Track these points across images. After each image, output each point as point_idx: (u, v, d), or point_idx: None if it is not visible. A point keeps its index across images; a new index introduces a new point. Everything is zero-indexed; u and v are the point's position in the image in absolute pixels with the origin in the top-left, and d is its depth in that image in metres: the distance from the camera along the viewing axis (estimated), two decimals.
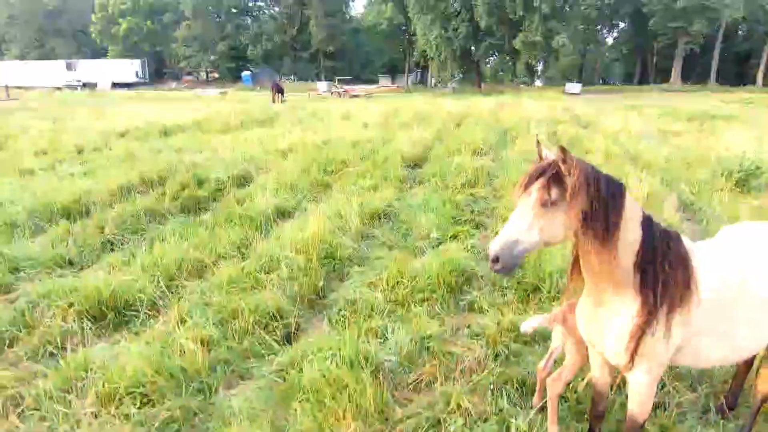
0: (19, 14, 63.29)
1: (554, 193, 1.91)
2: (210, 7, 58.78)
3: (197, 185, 7.43)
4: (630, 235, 2.05)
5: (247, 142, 11.26)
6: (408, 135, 11.91)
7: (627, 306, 2.13)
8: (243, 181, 8.07)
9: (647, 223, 2.10)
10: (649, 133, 12.68)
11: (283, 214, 6.47)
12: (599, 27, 60.32)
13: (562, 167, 1.91)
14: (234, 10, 61.27)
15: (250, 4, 63.65)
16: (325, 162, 8.96)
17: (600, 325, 2.25)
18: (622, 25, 62.09)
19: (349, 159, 9.41)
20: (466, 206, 6.62)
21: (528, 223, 1.94)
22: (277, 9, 61.76)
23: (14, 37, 65.94)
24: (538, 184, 1.94)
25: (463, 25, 38.84)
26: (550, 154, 2.08)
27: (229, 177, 7.69)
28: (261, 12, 64.07)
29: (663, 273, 2.09)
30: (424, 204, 6.47)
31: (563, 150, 1.88)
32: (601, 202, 1.93)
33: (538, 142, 2.18)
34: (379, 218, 6.34)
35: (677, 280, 2.11)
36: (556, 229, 1.95)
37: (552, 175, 1.93)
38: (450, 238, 5.50)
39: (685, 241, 2.24)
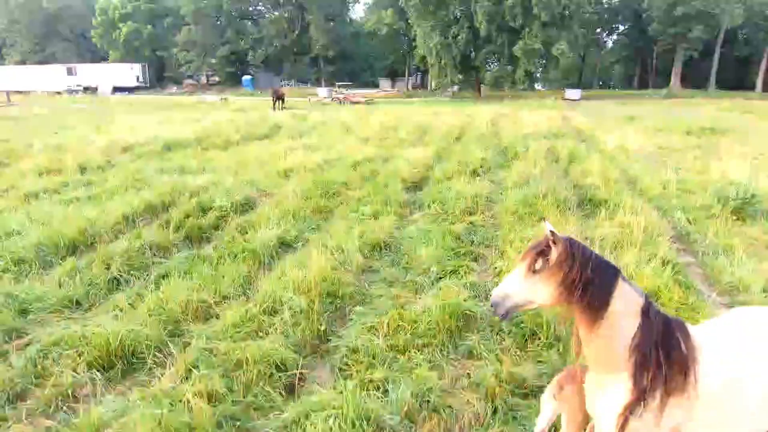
0: (20, 18, 63.44)
1: (539, 263, 2.24)
2: (210, 12, 58.88)
3: (200, 212, 7.55)
4: (624, 318, 2.22)
5: (248, 162, 11.37)
6: (408, 153, 12.05)
7: (621, 385, 2.25)
8: (246, 206, 8.18)
9: (647, 308, 2.25)
10: (647, 152, 12.80)
11: (285, 244, 6.58)
12: (599, 30, 60.48)
13: (551, 245, 2.23)
14: (234, 15, 61.40)
15: (251, 9, 63.79)
16: (326, 185, 9.08)
17: (597, 399, 2.38)
18: (621, 28, 62.30)
19: (349, 181, 9.54)
20: (466, 237, 6.72)
21: (517, 284, 2.30)
22: (277, 13, 61.89)
23: (15, 42, 66.07)
24: (530, 254, 2.29)
25: (463, 32, 39.00)
26: (549, 225, 2.31)
27: (231, 204, 7.80)
28: (261, 16, 64.21)
29: (658, 360, 2.20)
30: (424, 235, 6.58)
31: (553, 233, 2.23)
32: (585, 282, 2.18)
33: (544, 218, 2.48)
34: (380, 249, 6.45)
35: (674, 368, 2.21)
36: (539, 293, 2.26)
37: (543, 249, 2.26)
38: (450, 273, 5.61)
39: (689, 328, 2.36)
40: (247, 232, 6.78)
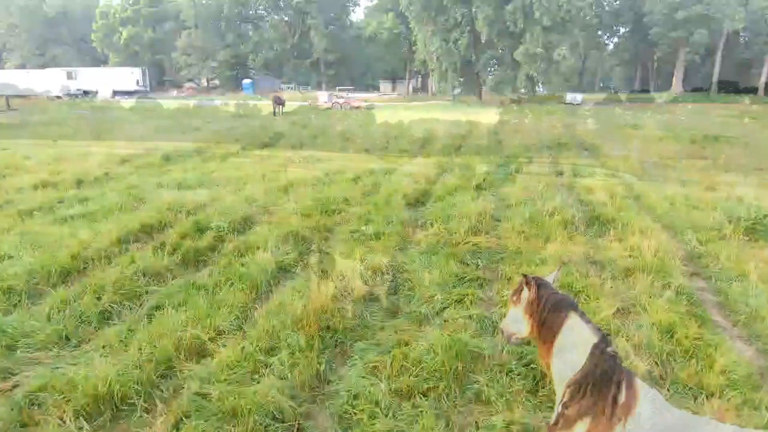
0: (20, 22, 63.44)
1: (515, 298, 2.76)
2: (211, 16, 58.84)
3: (197, 233, 7.34)
4: (571, 353, 2.44)
5: (248, 175, 11.19)
6: (409, 166, 11.87)
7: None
8: (244, 225, 7.97)
9: (597, 348, 2.38)
10: (652, 164, 12.61)
11: (283, 269, 6.37)
12: (600, 32, 60.37)
13: (524, 287, 2.71)
14: (235, 19, 61.37)
15: (251, 13, 63.75)
16: (327, 201, 8.88)
17: None
18: (623, 30, 62.18)
19: (350, 197, 9.35)
20: (471, 260, 6.50)
21: (510, 315, 2.81)
22: (277, 17, 61.84)
23: (15, 46, 66.08)
24: (513, 292, 2.81)
25: (464, 37, 38.86)
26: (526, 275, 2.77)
27: (229, 223, 7.59)
28: (262, 20, 64.16)
29: (585, 397, 2.33)
30: (427, 259, 6.37)
31: (525, 277, 2.72)
32: (542, 314, 2.58)
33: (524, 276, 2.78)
34: (382, 274, 6.23)
35: (599, 409, 2.30)
36: (521, 324, 2.71)
37: (521, 289, 2.75)
38: (454, 302, 5.40)
39: (642, 386, 2.35)
40: (244, 255, 6.59)
